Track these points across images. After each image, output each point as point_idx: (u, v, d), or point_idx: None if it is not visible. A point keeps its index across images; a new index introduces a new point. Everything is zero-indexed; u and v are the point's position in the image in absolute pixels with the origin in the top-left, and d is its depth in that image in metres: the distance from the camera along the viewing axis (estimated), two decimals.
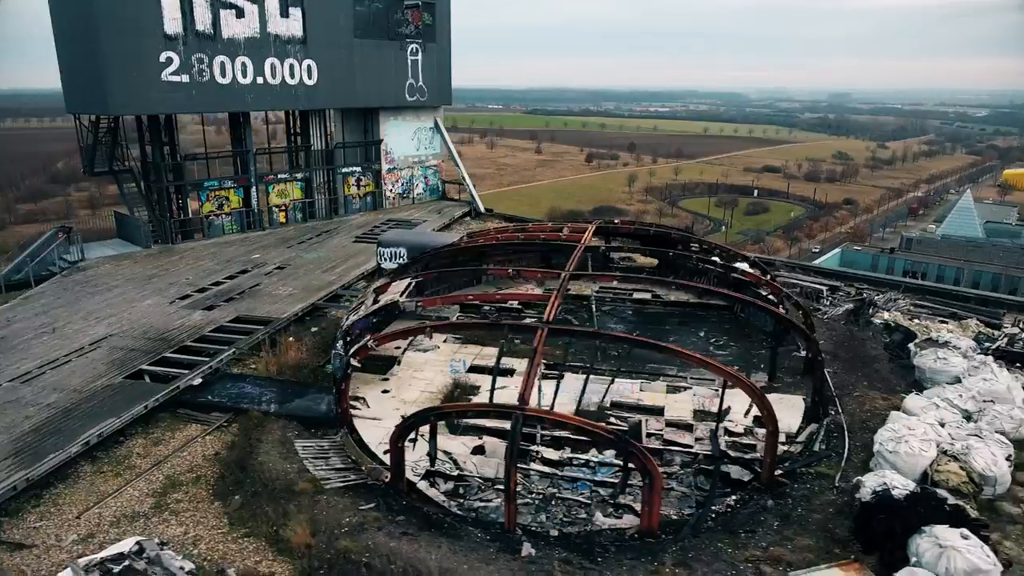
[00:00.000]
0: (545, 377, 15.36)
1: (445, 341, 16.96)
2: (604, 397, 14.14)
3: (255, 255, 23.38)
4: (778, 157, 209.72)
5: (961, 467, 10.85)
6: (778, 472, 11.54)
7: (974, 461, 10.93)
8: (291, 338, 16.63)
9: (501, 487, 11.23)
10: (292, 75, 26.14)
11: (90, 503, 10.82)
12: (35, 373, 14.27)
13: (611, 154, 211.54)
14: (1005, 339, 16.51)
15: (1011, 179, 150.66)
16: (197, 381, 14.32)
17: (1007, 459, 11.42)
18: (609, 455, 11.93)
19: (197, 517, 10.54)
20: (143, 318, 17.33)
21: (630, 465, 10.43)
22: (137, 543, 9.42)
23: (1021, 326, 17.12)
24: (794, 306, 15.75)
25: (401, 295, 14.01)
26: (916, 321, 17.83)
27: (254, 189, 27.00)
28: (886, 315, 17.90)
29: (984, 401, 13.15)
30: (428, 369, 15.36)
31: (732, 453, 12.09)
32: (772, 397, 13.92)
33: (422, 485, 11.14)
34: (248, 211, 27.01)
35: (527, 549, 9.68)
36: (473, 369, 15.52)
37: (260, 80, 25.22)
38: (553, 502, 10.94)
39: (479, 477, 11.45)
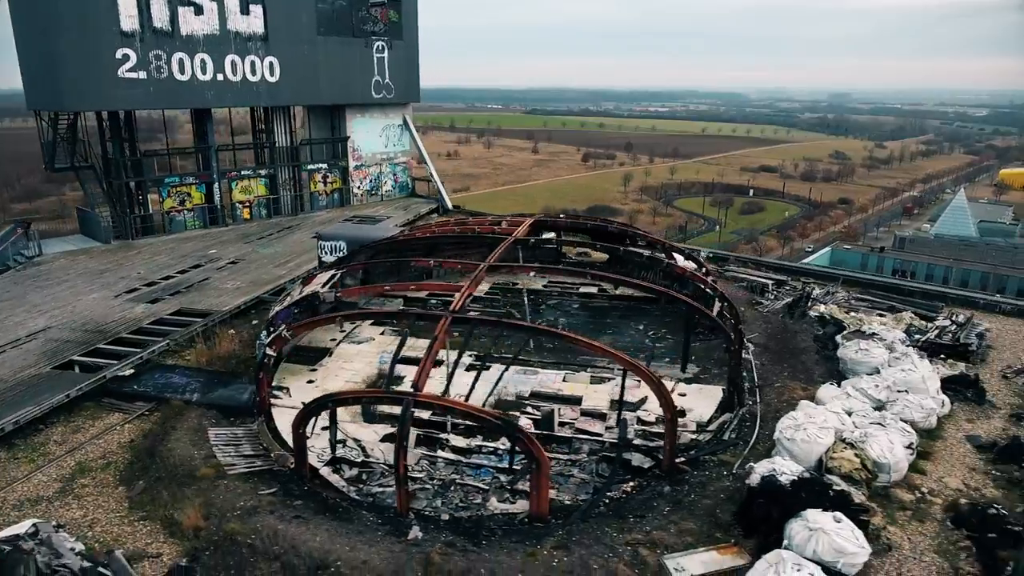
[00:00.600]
0: (471, 368, 15.59)
1: (382, 333, 17.14)
2: (523, 388, 14.30)
3: (212, 250, 23.58)
4: (775, 157, 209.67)
5: (856, 454, 11.00)
6: (680, 460, 11.71)
7: (870, 449, 11.08)
8: (231, 330, 16.85)
9: (416, 473, 11.45)
10: (254, 72, 26.34)
11: None
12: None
13: (608, 154, 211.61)
14: (935, 331, 16.65)
15: (1007, 179, 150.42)
16: (128, 372, 14.54)
17: (909, 447, 11.60)
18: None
19: (99, 501, 10.72)
20: (85, 311, 17.53)
21: (516, 449, 10.59)
22: (33, 525, 9.60)
23: (953, 319, 17.24)
24: (719, 298, 15.90)
25: (323, 286, 14.18)
26: (852, 314, 17.96)
27: (216, 185, 27.19)
28: (822, 308, 18.05)
29: (898, 391, 13.30)
30: (358, 360, 15.54)
31: (638, 441, 12.26)
32: (692, 388, 14.22)
33: (325, 471, 11.32)
34: (210, 207, 27.21)
35: (414, 532, 9.85)
36: (404, 360, 15.72)
37: (220, 77, 25.43)
38: (452, 488, 11.11)
39: (383, 464, 11.63)
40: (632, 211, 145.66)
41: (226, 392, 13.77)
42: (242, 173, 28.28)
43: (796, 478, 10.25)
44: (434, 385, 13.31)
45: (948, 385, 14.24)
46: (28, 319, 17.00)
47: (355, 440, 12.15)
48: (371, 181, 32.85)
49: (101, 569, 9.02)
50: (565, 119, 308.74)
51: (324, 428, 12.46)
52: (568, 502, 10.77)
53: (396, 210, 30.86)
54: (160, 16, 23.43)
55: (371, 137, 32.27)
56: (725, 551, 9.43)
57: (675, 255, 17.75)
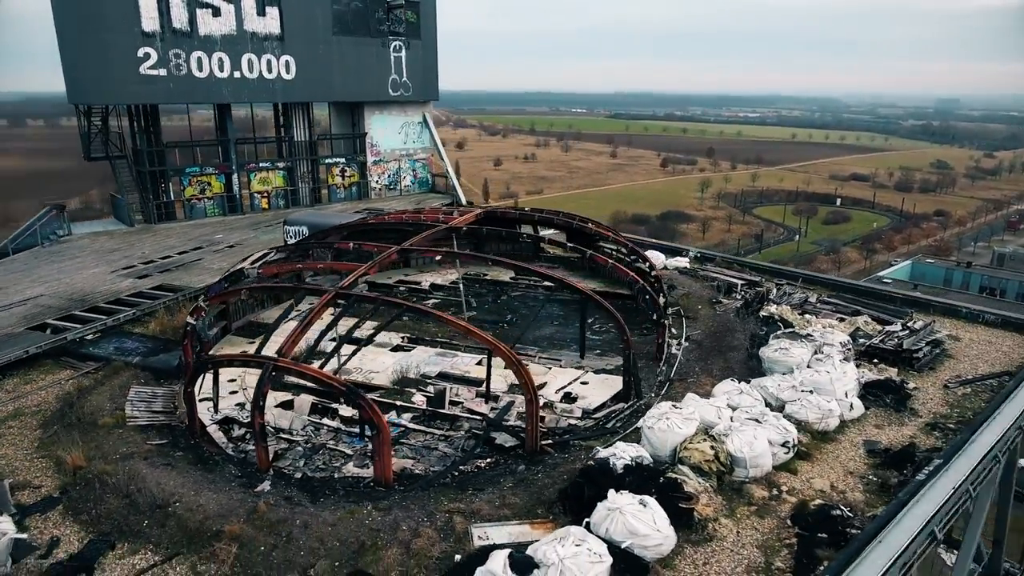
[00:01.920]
0: (398, 348, 16.31)
1: (330, 313, 18.09)
2: (434, 368, 14.86)
3: (218, 235, 25.34)
4: (869, 165, 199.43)
5: (712, 447, 10.95)
6: (547, 442, 11.97)
7: (729, 443, 11.00)
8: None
9: (285, 435, 12.29)
10: (270, 70, 28.07)
11: None
12: None
13: (688, 159, 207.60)
14: (881, 337, 15.99)
15: None
16: (90, 336, 16.11)
17: (784, 445, 11.43)
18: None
19: (16, 440, 12.10)
20: (78, 283, 19.41)
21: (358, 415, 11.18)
22: None
23: (907, 325, 16.47)
24: (638, 291, 15.92)
25: (251, 263, 15.26)
26: (804, 316, 17.46)
27: (235, 176, 29.11)
28: (773, 308, 17.62)
29: (802, 391, 13.01)
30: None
31: (518, 423, 12.57)
32: (599, 377, 14.37)
33: (212, 428, 12.28)
34: (229, 196, 29.16)
35: (264, 485, 10.64)
36: (351, 340, 16.65)
37: (237, 75, 27.27)
38: (320, 452, 11.83)
39: (270, 426, 12.49)
40: (706, 218, 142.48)
41: (163, 357, 15.04)
42: (260, 165, 30.13)
43: (630, 463, 10.39)
44: (367, 361, 14.16)
45: (870, 389, 13.78)
46: (28, 288, 19.01)
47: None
48: (389, 176, 34.14)
49: None
50: (648, 123, 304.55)
51: (232, 392, 13.50)
52: (419, 472, 11.26)
53: (410, 204, 31.95)
54: (179, 17, 25.44)
55: (390, 133, 33.55)
56: (538, 526, 9.70)
57: (606, 247, 17.82)
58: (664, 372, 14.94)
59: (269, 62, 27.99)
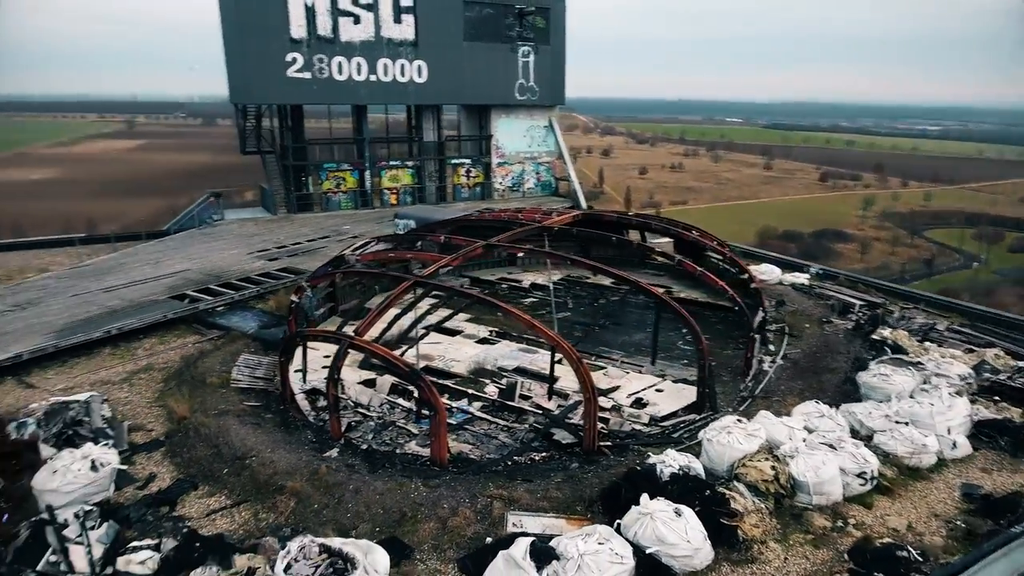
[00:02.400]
0: (484, 341, 16.85)
1: (432, 304, 19.02)
2: (512, 362, 15.22)
3: (346, 226, 27.31)
4: None
5: (773, 467, 10.43)
6: (606, 443, 11.93)
7: (792, 465, 10.42)
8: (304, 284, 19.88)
9: (362, 410, 13.19)
10: (403, 74, 29.82)
11: (89, 371, 14.75)
12: (118, 287, 19.07)
13: (851, 174, 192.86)
14: (1011, 372, 14.24)
15: None
16: (220, 308, 18.10)
17: (860, 476, 10.64)
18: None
19: (141, 391, 13.91)
20: (219, 261, 21.78)
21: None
22: (90, 395, 12.99)
23: None
24: (734, 302, 15.30)
25: (352, 251, 16.39)
26: (923, 343, 15.91)
27: (367, 172, 31.19)
28: (887, 332, 16.20)
29: (896, 421, 11.99)
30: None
31: (575, 421, 12.61)
32: (675, 386, 14.08)
33: (299, 397, 13.41)
34: (362, 191, 31.29)
35: (331, 452, 11.51)
36: (438, 329, 17.51)
37: (373, 78, 29.25)
38: (390, 428, 12.55)
39: (351, 400, 13.44)
40: (867, 238, 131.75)
41: (273, 331, 16.56)
42: (391, 163, 32.04)
43: (677, 472, 10.14)
44: (452, 350, 14.90)
45: (983, 429, 12.38)
46: (178, 263, 21.61)
47: (340, 379, 14.08)
48: (513, 178, 34.99)
49: (108, 431, 11.96)
50: (808, 135, 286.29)
51: (324, 367, 14.63)
52: (474, 457, 11.64)
53: (528, 205, 32.55)
54: (324, 25, 27.73)
55: (515, 137, 34.39)
56: (573, 522, 9.73)
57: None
58: (748, 388, 14.29)
59: (403, 66, 29.74)
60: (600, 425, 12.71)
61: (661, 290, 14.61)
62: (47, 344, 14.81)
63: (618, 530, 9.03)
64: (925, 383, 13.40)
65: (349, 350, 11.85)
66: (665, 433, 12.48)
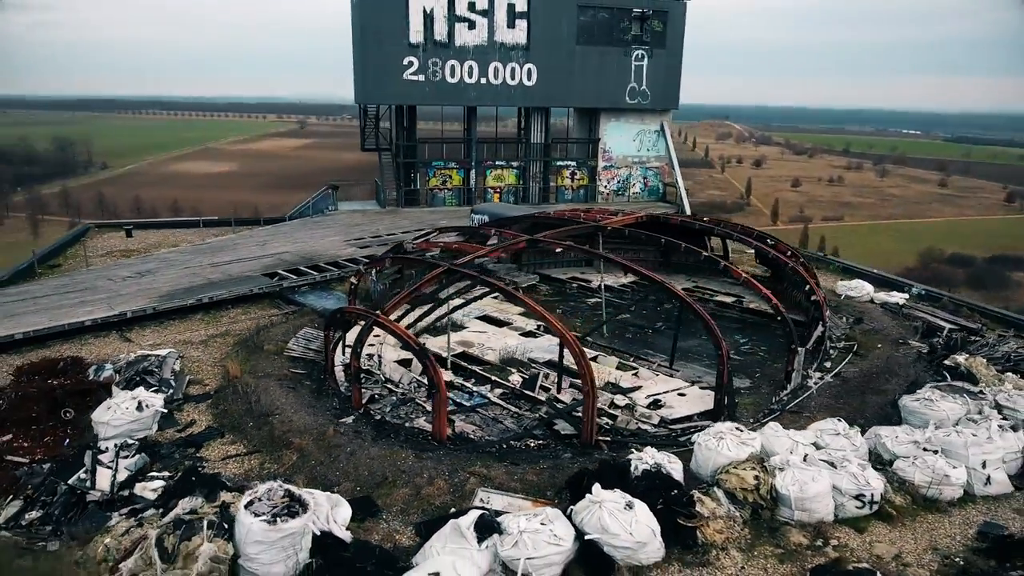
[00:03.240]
0: (529, 334, 17.29)
1: (494, 297, 19.75)
2: (543, 355, 15.55)
3: (443, 221, 28.71)
4: None
5: (756, 477, 10.08)
6: (605, 438, 12.01)
7: (779, 478, 10.01)
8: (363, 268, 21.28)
9: (389, 385, 14.17)
10: (513, 77, 30.79)
11: (178, 332, 16.95)
12: (224, 263, 21.55)
13: None
14: None
15: None
16: (304, 287, 19.96)
17: (859, 499, 10.02)
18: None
19: (211, 352, 15.78)
20: (315, 246, 23.87)
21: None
22: (168, 352, 15.05)
23: None
24: (777, 312, 14.59)
25: (411, 239, 17.43)
26: (1004, 373, 14.26)
27: (473, 171, 32.51)
28: (962, 359, 14.66)
29: (924, 448, 11.06)
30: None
31: (576, 414, 12.73)
32: (700, 392, 13.82)
33: (337, 369, 14.61)
34: (467, 189, 32.66)
35: (347, 419, 12.53)
36: (486, 319, 18.20)
37: (484, 81, 30.47)
38: (407, 404, 13.39)
39: (381, 375, 14.46)
40: None
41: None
42: (496, 163, 33.14)
43: (650, 469, 10.07)
44: (491, 339, 15.61)
45: None
46: (280, 246, 23.95)
47: (379, 357, 15.16)
48: (619, 182, 34.87)
49: (172, 382, 13.81)
50: (997, 149, 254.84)
51: (371, 345, 15.80)
52: (474, 437, 12.17)
53: (630, 210, 32.32)
54: (440, 31, 29.32)
55: (623, 140, 34.27)
56: (538, 504, 9.98)
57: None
58: (780, 401, 13.64)
59: (513, 69, 30.72)
60: (606, 420, 12.80)
61: (686, 297, 14.24)
62: (148, 306, 17.21)
63: (570, 516, 9.19)
64: (979, 413, 12.12)
65: (374, 327, 12.81)
66: (669, 436, 12.30)
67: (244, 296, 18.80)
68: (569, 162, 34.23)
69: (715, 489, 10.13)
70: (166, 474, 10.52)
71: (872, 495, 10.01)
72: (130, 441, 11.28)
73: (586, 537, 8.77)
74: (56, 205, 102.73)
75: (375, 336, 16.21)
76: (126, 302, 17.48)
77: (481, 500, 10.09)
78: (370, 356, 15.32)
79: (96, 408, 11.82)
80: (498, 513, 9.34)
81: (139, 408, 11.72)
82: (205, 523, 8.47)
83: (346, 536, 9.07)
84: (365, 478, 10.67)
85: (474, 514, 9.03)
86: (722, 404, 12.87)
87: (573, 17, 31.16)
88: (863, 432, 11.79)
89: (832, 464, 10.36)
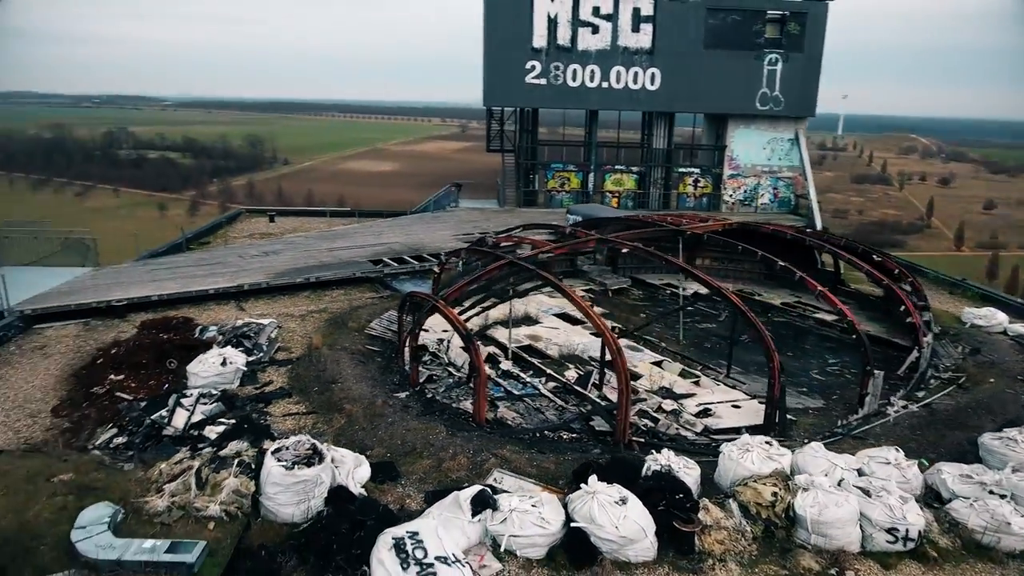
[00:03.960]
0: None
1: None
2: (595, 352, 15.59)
3: (554, 220, 29.20)
4: None
5: (774, 493, 9.63)
6: (639, 439, 11.95)
7: (798, 498, 9.51)
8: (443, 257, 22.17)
9: (449, 367, 14.97)
10: (635, 81, 30.65)
11: (284, 305, 18.85)
12: (338, 249, 23.51)
13: None
14: None
15: None
16: (403, 275, 21.38)
17: (892, 533, 9.30)
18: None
19: (305, 325, 17.40)
20: (424, 238, 25.29)
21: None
22: (270, 321, 16.89)
23: None
24: (852, 328, 13.56)
25: (492, 233, 18.07)
26: None
27: (592, 175, 32.70)
28: None
29: (992, 491, 9.98)
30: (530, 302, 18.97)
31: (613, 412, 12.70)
32: (755, 406, 13.34)
33: (407, 349, 15.58)
34: (585, 192, 32.91)
35: (401, 394, 13.43)
36: (563, 316, 18.47)
37: (605, 84, 30.61)
38: (461, 388, 14.05)
39: (446, 358, 15.26)
40: None
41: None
42: (616, 167, 33.06)
43: (660, 470, 9.95)
44: (559, 335, 16.09)
45: None
46: (394, 237, 25.64)
47: (448, 341, 15.97)
48: (745, 192, 33.46)
49: (264, 346, 15.49)
50: None
51: (444, 330, 16.68)
52: (511, 424, 12.57)
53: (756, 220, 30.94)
54: (563, 36, 29.87)
55: (753, 148, 32.85)
56: (547, 491, 10.19)
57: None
58: (847, 425, 12.73)
59: (636, 74, 30.58)
60: (646, 423, 12.68)
61: (741, 303, 13.58)
62: (263, 281, 19.29)
63: (566, 504, 9.35)
64: None
65: (433, 311, 13.62)
66: (708, 445, 11.94)
67: (347, 279, 20.45)
68: (692, 169, 33.39)
69: (730, 501, 9.79)
70: (232, 422, 11.94)
71: (907, 531, 9.19)
72: (213, 391, 12.91)
73: (572, 524, 8.90)
74: (242, 195, 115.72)
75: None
76: (247, 276, 19.71)
77: (494, 480, 10.46)
78: (440, 340, 16.19)
79: (192, 361, 13.61)
80: (495, 490, 9.70)
81: (223, 364, 13.34)
82: (235, 462, 9.62)
83: (359, 492, 9.86)
84: (396, 447, 11.43)
85: (475, 488, 9.46)
86: (772, 419, 12.27)
87: (701, 20, 30.42)
88: (928, 467, 10.81)
89: (866, 491, 9.61)
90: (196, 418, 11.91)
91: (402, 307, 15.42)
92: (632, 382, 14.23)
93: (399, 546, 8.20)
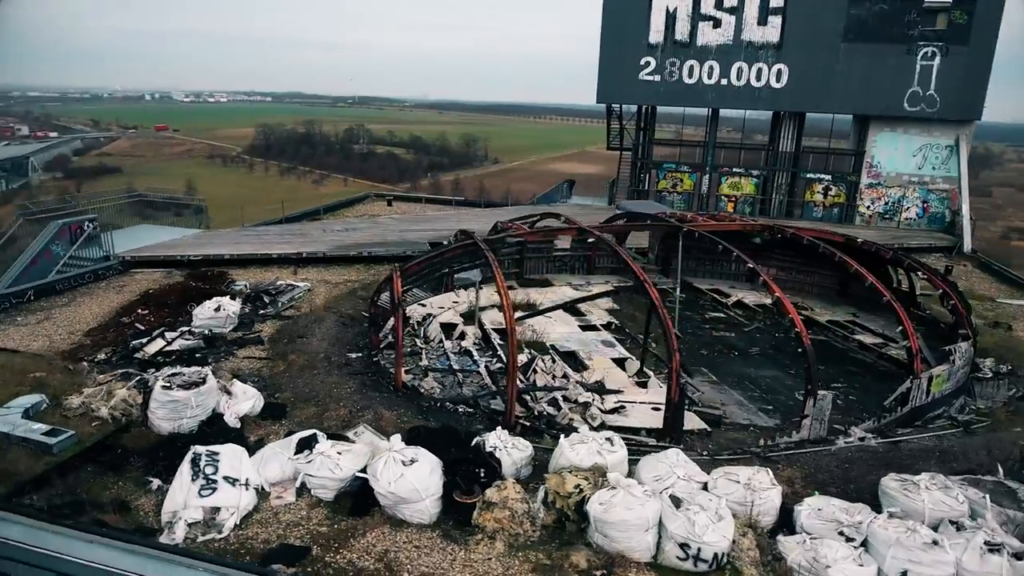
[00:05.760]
0: (593, 328, 17.05)
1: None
2: (571, 347, 15.33)
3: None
4: None
5: (578, 486, 9.21)
6: (527, 423, 11.90)
7: (594, 495, 9.01)
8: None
9: (419, 339, 15.89)
10: (758, 78, 28.55)
11: (333, 273, 20.94)
12: (411, 231, 25.28)
13: None
14: None
15: None
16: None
17: (684, 548, 8.55)
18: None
19: (334, 291, 19.20)
20: None
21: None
22: (303, 282, 19.08)
23: None
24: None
25: (507, 221, 18.39)
26: None
27: (707, 177, 31.03)
28: None
29: (841, 533, 8.65)
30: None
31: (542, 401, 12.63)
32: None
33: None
34: (697, 195, 31.35)
35: (354, 354, 14.61)
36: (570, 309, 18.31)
37: (724, 82, 28.91)
38: (415, 356, 14.86)
39: (420, 332, 16.14)
40: None
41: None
42: (733, 170, 30.97)
43: (483, 447, 9.99)
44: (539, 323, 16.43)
45: None
46: (468, 224, 26.72)
47: (433, 316, 16.81)
48: (887, 204, 29.49)
49: (279, 302, 17.61)
50: None
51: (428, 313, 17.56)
52: (422, 391, 13.12)
53: (885, 238, 27.17)
54: (682, 30, 28.77)
55: (899, 155, 28.83)
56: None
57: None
58: (766, 445, 11.40)
59: (759, 70, 28.47)
60: (550, 409, 12.49)
61: (658, 297, 12.39)
62: (319, 251, 21.62)
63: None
64: (1003, 525, 8.57)
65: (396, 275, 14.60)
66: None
67: (398, 256, 22.05)
68: (823, 175, 30.19)
69: (542, 487, 9.53)
70: (198, 355, 13.98)
71: (700, 550, 8.31)
72: (207, 332, 15.13)
73: (356, 473, 9.40)
74: (448, 189, 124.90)
75: (454, 302, 17.97)
76: (311, 246, 22.20)
77: (354, 433, 11.18)
78: (426, 316, 17.07)
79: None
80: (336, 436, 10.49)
81: (217, 310, 15.53)
82: (133, 380, 11.49)
83: (233, 423, 11.22)
84: (304, 393, 12.62)
85: (308, 432, 10.37)
86: (670, 424, 11.41)
87: (842, 10, 27.39)
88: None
89: (676, 501, 8.78)
90: (173, 347, 14.14)
91: (381, 289, 16.54)
92: (572, 372, 14.04)
93: (195, 461, 9.37)
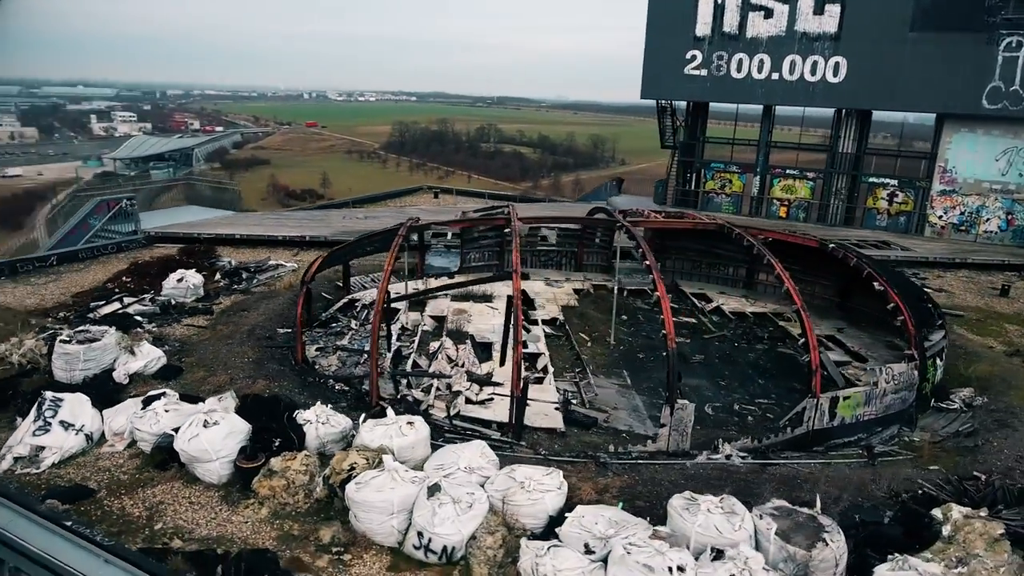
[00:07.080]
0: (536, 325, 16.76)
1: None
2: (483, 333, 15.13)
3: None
4: None
5: (353, 464, 9.27)
6: (385, 400, 12.04)
7: (358, 475, 9.05)
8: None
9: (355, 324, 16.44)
10: (813, 73, 26.32)
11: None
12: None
13: None
14: None
15: None
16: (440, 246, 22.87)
17: (420, 536, 8.42)
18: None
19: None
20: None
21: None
22: (291, 264, 20.25)
23: None
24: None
25: (476, 210, 18.31)
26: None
27: (758, 178, 29.01)
28: (937, 512, 8.52)
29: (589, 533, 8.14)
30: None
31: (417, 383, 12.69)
32: (544, 407, 12.31)
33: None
34: (748, 197, 29.38)
35: (284, 328, 15.40)
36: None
37: (775, 76, 26.92)
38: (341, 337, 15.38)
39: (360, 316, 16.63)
40: None
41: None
42: (787, 172, 28.68)
43: (301, 418, 10.29)
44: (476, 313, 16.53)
45: None
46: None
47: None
48: (962, 214, 26.10)
49: (256, 279, 18.81)
50: None
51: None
52: (317, 367, 13.58)
53: (949, 251, 24.14)
54: (730, 22, 27.12)
55: (979, 159, 25.41)
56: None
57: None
58: (616, 452, 10.74)
59: (814, 64, 26.22)
60: (412, 394, 12.52)
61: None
62: (320, 235, 22.74)
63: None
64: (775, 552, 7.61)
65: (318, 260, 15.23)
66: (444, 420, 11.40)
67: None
68: (888, 180, 27.23)
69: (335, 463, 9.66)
70: (154, 327, 15.33)
71: (430, 540, 8.12)
72: (169, 301, 16.54)
73: (169, 430, 10.03)
74: (569, 188, 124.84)
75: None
76: (318, 231, 23.39)
77: (219, 397, 11.81)
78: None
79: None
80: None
81: (179, 281, 16.90)
82: (46, 334, 12.87)
83: (121, 379, 12.30)
84: (208, 360, 13.49)
85: (158, 391, 11.19)
86: (512, 422, 11.05)
87: None
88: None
89: (432, 492, 8.57)
90: (130, 311, 15.62)
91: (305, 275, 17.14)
92: (477, 362, 13.94)
93: (40, 404, 10.42)
